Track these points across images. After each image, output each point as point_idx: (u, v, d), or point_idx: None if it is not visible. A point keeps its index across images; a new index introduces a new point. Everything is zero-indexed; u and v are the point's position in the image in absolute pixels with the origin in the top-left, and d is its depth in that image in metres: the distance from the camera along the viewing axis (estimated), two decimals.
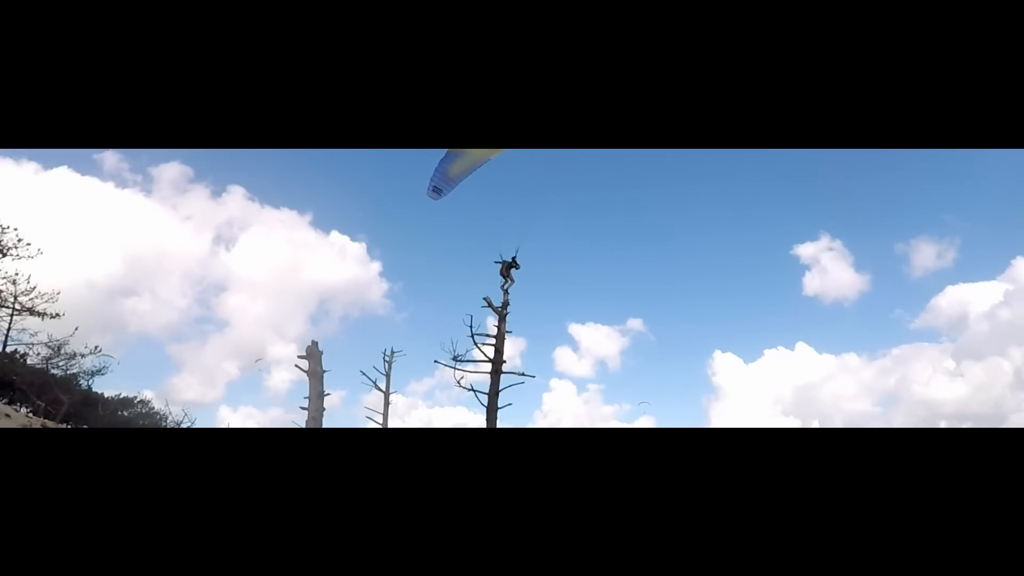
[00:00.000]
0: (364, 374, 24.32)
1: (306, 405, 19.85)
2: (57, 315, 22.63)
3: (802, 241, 63.88)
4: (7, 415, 20.44)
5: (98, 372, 27.08)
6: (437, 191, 11.26)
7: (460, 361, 13.89)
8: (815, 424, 48.69)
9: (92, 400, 27.53)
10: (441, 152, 10.98)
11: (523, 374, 13.84)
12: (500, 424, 13.12)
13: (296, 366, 20.72)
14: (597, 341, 69.18)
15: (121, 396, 31.37)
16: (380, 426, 23.77)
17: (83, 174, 53.88)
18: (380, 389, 24.20)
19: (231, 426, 42.04)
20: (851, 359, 58.48)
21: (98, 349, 25.72)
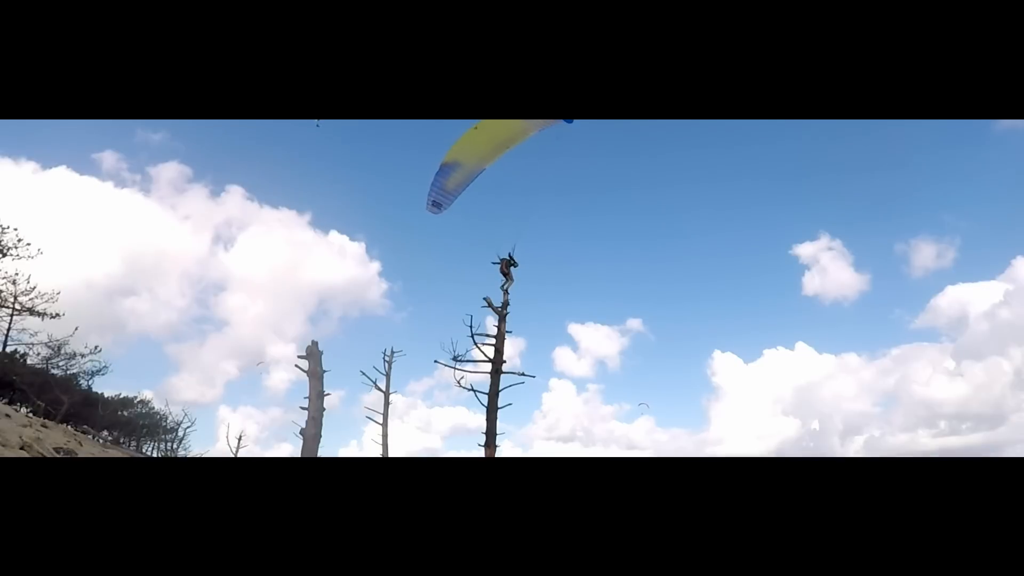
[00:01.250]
0: (364, 374, 24.46)
1: (306, 405, 19.93)
2: (57, 315, 22.60)
3: (802, 241, 64.23)
4: (7, 415, 20.44)
5: (98, 372, 27.15)
6: (437, 205, 11.26)
7: (460, 361, 13.90)
8: (815, 425, 48.76)
9: (92, 400, 27.62)
10: (440, 147, 10.97)
11: (523, 374, 13.85)
12: (500, 424, 13.21)
13: (296, 366, 20.80)
14: (597, 341, 69.45)
15: (121, 396, 31.51)
16: (379, 424, 23.90)
17: (82, 174, 53.98)
18: (380, 389, 24.30)
19: (230, 427, 42.49)
20: (851, 359, 58.77)
21: (98, 349, 25.78)
